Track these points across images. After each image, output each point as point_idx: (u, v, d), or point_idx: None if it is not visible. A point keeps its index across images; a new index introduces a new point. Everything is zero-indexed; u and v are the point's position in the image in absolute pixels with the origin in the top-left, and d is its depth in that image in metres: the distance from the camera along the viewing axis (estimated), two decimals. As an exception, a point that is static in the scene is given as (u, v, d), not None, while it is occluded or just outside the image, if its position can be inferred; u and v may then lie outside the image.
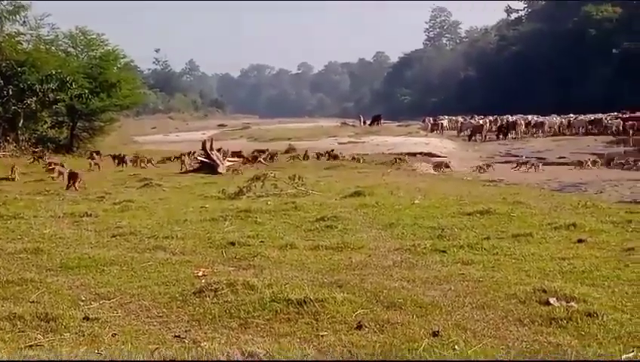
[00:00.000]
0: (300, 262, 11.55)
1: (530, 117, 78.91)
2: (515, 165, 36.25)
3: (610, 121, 71.47)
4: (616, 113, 74.58)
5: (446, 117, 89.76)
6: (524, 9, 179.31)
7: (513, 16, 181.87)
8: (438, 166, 36.75)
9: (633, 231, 14.10)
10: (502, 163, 41.67)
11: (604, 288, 9.57)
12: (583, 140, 62.03)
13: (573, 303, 8.67)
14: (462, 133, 70.58)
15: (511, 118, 77.76)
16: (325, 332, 7.86)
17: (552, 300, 8.77)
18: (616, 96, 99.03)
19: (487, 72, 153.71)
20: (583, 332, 7.80)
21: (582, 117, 75.63)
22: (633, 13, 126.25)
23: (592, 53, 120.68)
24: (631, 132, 65.79)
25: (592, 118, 74.40)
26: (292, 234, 14.26)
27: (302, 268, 11.06)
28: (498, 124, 72.10)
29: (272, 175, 24.49)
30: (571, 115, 78.24)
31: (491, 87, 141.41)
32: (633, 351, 7.23)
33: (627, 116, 72.68)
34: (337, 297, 8.82)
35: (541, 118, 76.26)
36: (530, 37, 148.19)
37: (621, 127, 68.56)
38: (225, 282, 9.55)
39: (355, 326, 8.02)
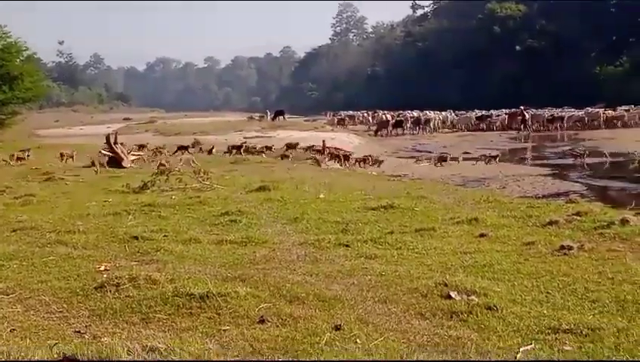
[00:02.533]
0: (203, 256, 11.49)
1: (417, 112, 79.80)
2: (416, 159, 36.51)
3: (495, 117, 73.91)
4: (518, 108, 75.85)
5: (343, 112, 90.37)
6: (429, 5, 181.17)
7: (419, 12, 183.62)
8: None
9: (533, 225, 14.31)
10: (407, 158, 42.05)
11: (504, 282, 9.70)
12: (487, 136, 62.93)
13: (473, 297, 8.77)
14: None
15: (413, 114, 78.60)
16: (227, 327, 7.84)
17: (453, 294, 8.86)
18: (519, 93, 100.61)
19: (394, 68, 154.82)
20: (483, 326, 7.90)
21: (468, 113, 77.15)
22: (536, 11, 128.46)
23: (496, 50, 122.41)
24: (522, 127, 67.48)
25: (480, 114, 75.80)
26: (196, 229, 14.19)
27: (205, 262, 11.00)
28: (394, 119, 72.74)
29: (177, 169, 24.34)
30: (462, 112, 79.61)
31: (398, 82, 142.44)
32: (532, 344, 7.34)
33: (519, 110, 74.34)
34: (240, 291, 8.79)
35: (431, 114, 77.05)
36: (436, 33, 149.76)
37: (505, 123, 71.64)
38: (127, 277, 9.43)
39: (258, 320, 8.01)
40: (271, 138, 49.18)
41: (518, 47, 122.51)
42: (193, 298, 8.60)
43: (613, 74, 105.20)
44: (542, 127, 70.04)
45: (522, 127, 69.02)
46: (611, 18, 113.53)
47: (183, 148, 38.88)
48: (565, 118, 69.42)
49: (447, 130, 70.90)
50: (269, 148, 40.12)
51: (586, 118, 71.18)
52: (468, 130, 70.76)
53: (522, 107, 74.85)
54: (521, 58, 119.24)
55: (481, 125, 72.52)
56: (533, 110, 75.82)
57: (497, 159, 36.36)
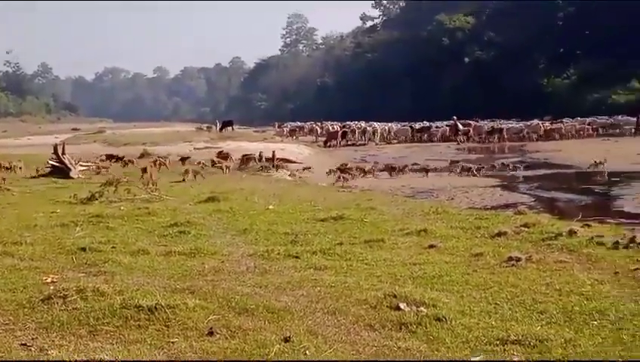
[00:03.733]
0: (151, 267, 11.43)
1: (364, 123, 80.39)
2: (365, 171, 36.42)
3: (435, 129, 74.69)
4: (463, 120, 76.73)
5: (290, 123, 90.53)
6: (379, 17, 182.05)
7: (369, 24, 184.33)
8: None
9: (482, 236, 14.44)
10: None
11: (453, 293, 9.77)
12: (436, 147, 63.19)
13: (422, 308, 8.82)
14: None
15: (361, 125, 79.06)
16: (176, 339, 7.81)
17: (402, 305, 8.90)
18: (467, 104, 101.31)
19: (344, 79, 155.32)
20: (431, 337, 7.95)
21: (404, 124, 77.92)
22: (484, 24, 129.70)
23: (445, 62, 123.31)
24: (461, 138, 68.40)
25: (420, 125, 76.57)
26: (144, 240, 14.09)
27: (154, 274, 10.94)
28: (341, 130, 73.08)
29: (126, 180, 24.19)
30: (406, 123, 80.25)
31: (348, 93, 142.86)
32: (480, 355, 7.39)
33: (452, 122, 75.37)
34: (189, 303, 8.76)
35: (378, 125, 77.47)
36: (386, 45, 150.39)
37: (448, 134, 72.28)
38: (74, 288, 9.34)
39: (207, 332, 7.99)
40: (220, 149, 48.90)
41: (467, 59, 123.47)
42: (141, 310, 8.54)
43: (561, 86, 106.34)
44: (483, 139, 70.81)
45: (455, 138, 69.94)
46: (559, 30, 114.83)
47: (184, 159, 38.55)
48: (504, 130, 70.25)
49: (395, 141, 71.14)
50: (225, 158, 39.81)
51: (525, 130, 72.15)
52: (408, 142, 71.14)
53: (455, 118, 75.98)
54: (470, 69, 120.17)
55: (422, 137, 73.06)
56: (473, 122, 76.67)
57: (480, 171, 36.36)
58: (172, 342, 7.70)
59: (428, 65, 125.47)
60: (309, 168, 35.63)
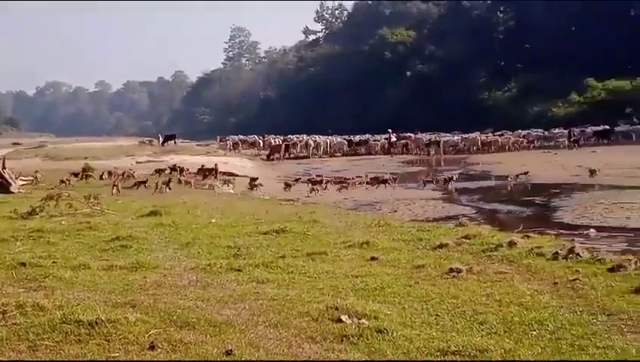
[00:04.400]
0: (92, 282, 11.34)
1: (305, 137, 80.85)
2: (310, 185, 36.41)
3: (373, 142, 75.48)
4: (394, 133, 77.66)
5: (233, 136, 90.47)
6: (321, 31, 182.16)
7: (311, 37, 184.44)
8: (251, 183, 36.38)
9: (423, 248, 14.54)
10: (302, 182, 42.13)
11: (394, 305, 9.82)
12: (379, 160, 63.49)
13: (364, 320, 8.85)
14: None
15: (303, 138, 79.50)
16: (117, 354, 7.77)
17: (343, 317, 8.92)
18: (410, 117, 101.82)
19: (287, 93, 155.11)
20: (373, 349, 7.98)
21: (340, 138, 78.67)
22: (425, 37, 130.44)
23: (388, 75, 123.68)
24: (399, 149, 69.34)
25: (359, 138, 77.21)
26: (86, 255, 13.99)
27: (95, 288, 10.86)
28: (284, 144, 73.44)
29: (67, 194, 23.98)
30: (346, 136, 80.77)
31: (291, 107, 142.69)
32: (421, 366, 7.44)
33: (397, 135, 76.24)
34: (130, 318, 8.72)
35: (320, 138, 77.91)
36: (328, 58, 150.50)
37: (386, 147, 73.52)
38: (14, 304, 9.27)
39: (148, 346, 7.96)
40: (163, 162, 48.64)
41: (408, 73, 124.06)
42: (82, 324, 8.49)
43: (501, 99, 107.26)
44: (422, 151, 71.59)
45: (389, 151, 70.80)
46: (499, 44, 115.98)
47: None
48: (441, 143, 71.33)
49: (339, 154, 71.39)
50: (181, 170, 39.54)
51: (462, 143, 74.01)
52: (346, 155, 71.50)
53: (390, 131, 76.97)
54: (412, 83, 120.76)
55: (360, 150, 73.56)
56: (412, 134, 77.67)
57: (421, 184, 36.57)
58: (113, 357, 7.66)
59: (370, 79, 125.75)
60: (256, 182, 35.35)
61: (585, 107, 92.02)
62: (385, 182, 36.17)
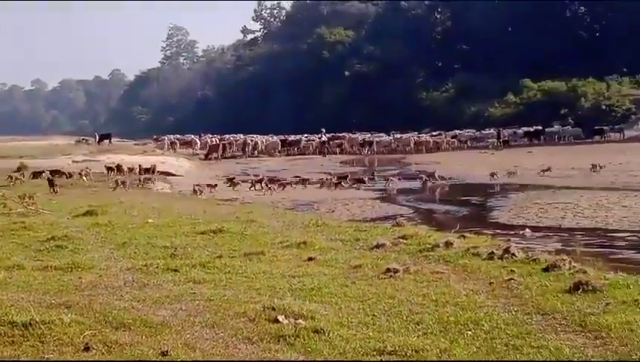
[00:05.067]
0: (27, 283, 11.19)
1: (242, 136, 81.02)
2: (250, 184, 36.31)
3: (306, 142, 75.77)
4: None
5: (170, 136, 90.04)
6: (260, 30, 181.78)
7: (250, 36, 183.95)
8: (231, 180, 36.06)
9: (361, 249, 14.57)
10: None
11: (331, 305, 9.83)
12: (317, 159, 63.59)
13: (301, 320, 8.84)
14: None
15: (240, 137, 79.70)
16: (51, 355, 7.69)
17: (280, 318, 8.91)
18: (348, 117, 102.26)
19: (225, 92, 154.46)
20: (309, 349, 7.98)
21: (275, 137, 78.75)
22: (363, 37, 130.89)
23: (326, 75, 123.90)
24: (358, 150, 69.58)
25: (286, 138, 77.67)
26: (20, 255, 13.81)
27: (29, 289, 10.72)
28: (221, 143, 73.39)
29: (1, 194, 23.70)
30: (281, 136, 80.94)
31: (229, 106, 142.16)
32: (357, 366, 7.45)
33: (331, 136, 76.63)
34: (65, 319, 8.61)
35: (257, 138, 78.03)
36: (267, 57, 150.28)
37: (320, 147, 73.93)
38: (-54, 305, 9.12)
39: (83, 347, 7.88)
40: (99, 162, 48.22)
41: (347, 72, 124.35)
42: (15, 326, 8.38)
43: (439, 99, 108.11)
44: (357, 151, 72.07)
45: (322, 151, 71.20)
46: (437, 45, 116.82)
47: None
48: (374, 143, 72.39)
49: (278, 154, 71.38)
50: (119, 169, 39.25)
51: (395, 143, 75.12)
52: (279, 155, 71.62)
53: (323, 130, 77.62)
54: (350, 83, 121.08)
55: (292, 150, 73.71)
56: (347, 134, 78.17)
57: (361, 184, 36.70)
58: (47, 358, 7.57)
59: (309, 78, 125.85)
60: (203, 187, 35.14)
61: (521, 108, 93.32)
62: (362, 181, 36.46)
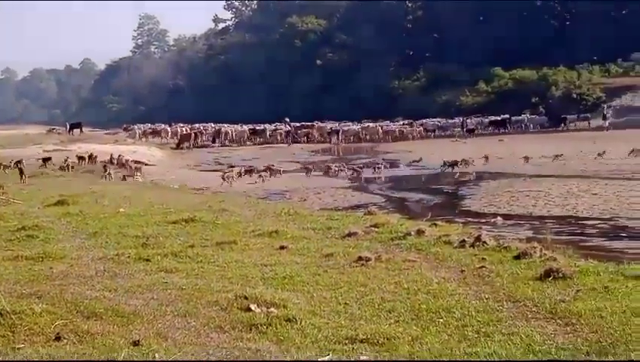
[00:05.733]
0: (-3, 273, 11.13)
1: (213, 125, 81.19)
2: (223, 173, 36.24)
3: (272, 132, 75.55)
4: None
5: (141, 125, 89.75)
6: (231, 19, 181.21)
7: (221, 25, 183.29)
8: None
9: (332, 237, 14.60)
10: (210, 171, 41.97)
11: (303, 293, 9.84)
12: (289, 148, 63.53)
13: (273, 309, 8.85)
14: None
15: (210, 126, 79.87)
16: (22, 345, 7.66)
17: (252, 306, 8.92)
18: (320, 106, 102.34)
19: (197, 81, 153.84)
20: (282, 337, 7.99)
21: (245, 127, 78.88)
22: (335, 26, 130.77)
23: (298, 64, 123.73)
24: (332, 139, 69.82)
25: (255, 128, 77.69)
26: (-10, 245, 13.74)
27: (-1, 279, 10.66)
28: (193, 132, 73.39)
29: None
30: (250, 125, 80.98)
31: (201, 95, 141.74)
32: (329, 354, 7.46)
33: (299, 125, 76.89)
34: (36, 308, 8.58)
35: (229, 127, 78.03)
36: (239, 47, 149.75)
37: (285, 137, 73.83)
38: None
39: (54, 337, 7.85)
40: (71, 151, 48.00)
41: (319, 61, 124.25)
42: (-14, 316, 8.33)
43: (411, 88, 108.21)
44: (326, 140, 72.26)
45: (286, 139, 71.36)
46: (408, 33, 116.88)
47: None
48: (341, 132, 72.91)
49: (250, 143, 71.24)
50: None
51: (363, 132, 75.33)
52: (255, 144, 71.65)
53: (287, 119, 78.20)
54: (322, 71, 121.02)
55: (257, 139, 73.62)
56: (316, 123, 78.38)
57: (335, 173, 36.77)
58: (18, 348, 7.54)
59: (281, 67, 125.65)
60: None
61: (492, 96, 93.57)
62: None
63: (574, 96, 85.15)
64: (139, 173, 35.54)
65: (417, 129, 74.91)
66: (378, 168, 38.10)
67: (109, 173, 32.56)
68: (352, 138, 72.84)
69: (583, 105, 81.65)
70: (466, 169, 36.72)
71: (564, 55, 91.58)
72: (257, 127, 77.49)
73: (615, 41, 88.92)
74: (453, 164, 36.91)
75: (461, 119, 76.56)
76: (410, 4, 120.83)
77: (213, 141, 71.79)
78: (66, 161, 38.12)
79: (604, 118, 72.60)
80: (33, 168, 36.13)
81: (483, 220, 20.89)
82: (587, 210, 22.64)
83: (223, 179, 32.46)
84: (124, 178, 34.36)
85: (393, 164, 41.94)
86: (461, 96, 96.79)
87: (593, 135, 59.28)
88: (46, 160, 39.35)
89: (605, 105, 77.60)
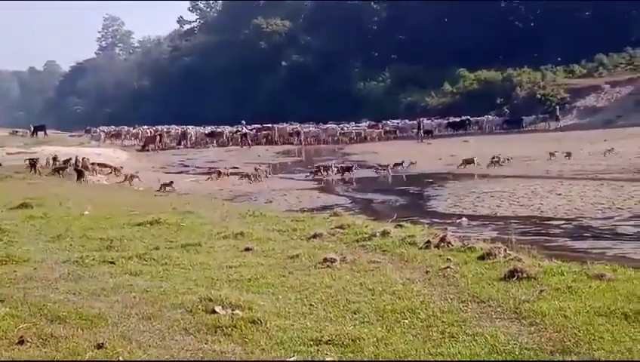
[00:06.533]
0: (-41, 276, 11.03)
1: (175, 127, 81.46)
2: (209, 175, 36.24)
3: (231, 135, 76.03)
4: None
5: (104, 127, 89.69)
6: (196, 20, 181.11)
7: (186, 27, 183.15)
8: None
9: (298, 238, 14.59)
10: (175, 173, 41.89)
11: (269, 295, 9.82)
12: (254, 150, 63.53)
13: (238, 311, 8.83)
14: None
15: (173, 128, 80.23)
16: (-15, 349, 7.57)
17: (217, 308, 8.89)
18: (285, 107, 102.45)
19: (161, 83, 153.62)
20: (247, 339, 7.96)
21: (200, 128, 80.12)
22: (300, 28, 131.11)
23: (263, 65, 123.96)
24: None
25: (212, 130, 78.42)
26: (-48, 249, 13.61)
27: (-38, 283, 10.57)
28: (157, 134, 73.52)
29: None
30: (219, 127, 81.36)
31: (166, 97, 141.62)
32: (294, 356, 7.46)
33: (260, 127, 77.81)
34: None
35: (191, 129, 78.37)
36: (204, 48, 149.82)
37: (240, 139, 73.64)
38: None
39: (17, 341, 7.78)
40: (35, 154, 47.71)
41: (284, 63, 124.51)
42: (-51, 320, 8.26)
43: (376, 89, 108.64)
44: (286, 142, 72.59)
45: (241, 141, 71.76)
46: (373, 35, 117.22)
47: None
48: (302, 133, 73.81)
49: (210, 145, 71.25)
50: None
51: (323, 134, 76.61)
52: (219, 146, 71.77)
53: (243, 122, 79.72)
54: (287, 73, 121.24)
55: (213, 141, 73.77)
56: (277, 125, 79.26)
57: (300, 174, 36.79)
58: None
59: (246, 69, 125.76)
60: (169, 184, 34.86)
61: (457, 97, 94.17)
62: (349, 169, 36.77)
63: (539, 96, 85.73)
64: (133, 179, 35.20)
65: (377, 131, 75.56)
66: (353, 170, 38.24)
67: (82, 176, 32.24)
68: (312, 140, 73.30)
69: (547, 106, 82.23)
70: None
71: (529, 56, 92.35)
72: (216, 130, 77.71)
73: (579, 43, 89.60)
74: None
75: (418, 120, 77.00)
76: (375, 5, 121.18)
77: (179, 143, 71.70)
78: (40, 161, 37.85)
79: (557, 118, 73.57)
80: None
81: (448, 221, 20.98)
82: (552, 210, 22.81)
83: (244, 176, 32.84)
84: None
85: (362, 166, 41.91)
86: (427, 97, 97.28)
87: (558, 135, 59.65)
88: (34, 162, 38.56)
89: (558, 107, 78.21)
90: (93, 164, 38.89)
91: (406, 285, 10.30)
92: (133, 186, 32.29)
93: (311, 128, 77.78)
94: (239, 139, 72.60)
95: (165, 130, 78.66)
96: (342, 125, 79.66)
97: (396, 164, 38.31)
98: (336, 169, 37.86)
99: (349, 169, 37.44)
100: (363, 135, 73.85)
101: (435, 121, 79.70)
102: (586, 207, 22.90)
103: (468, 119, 77.27)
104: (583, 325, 8.20)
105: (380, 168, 37.93)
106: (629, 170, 33.64)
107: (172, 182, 31.95)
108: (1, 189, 27.16)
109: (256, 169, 35.36)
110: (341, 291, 9.97)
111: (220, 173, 36.09)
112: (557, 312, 8.66)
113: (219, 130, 78.16)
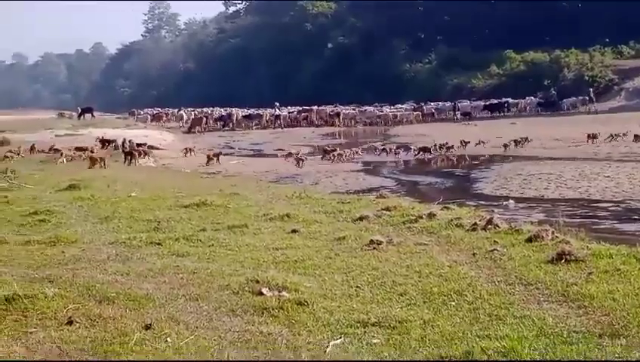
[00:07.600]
0: (9, 257, 11.14)
1: (219, 109, 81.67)
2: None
3: (269, 117, 75.24)
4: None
5: (149, 110, 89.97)
6: (242, 2, 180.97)
7: (232, 9, 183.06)
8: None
9: (344, 221, 14.58)
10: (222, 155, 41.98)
11: (315, 277, 9.83)
12: (299, 132, 63.42)
13: (285, 292, 8.84)
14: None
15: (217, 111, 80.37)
16: (34, 329, 7.64)
17: (264, 290, 8.90)
18: (330, 89, 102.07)
19: (207, 65, 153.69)
20: (293, 321, 7.98)
21: (242, 111, 79.61)
22: (346, 9, 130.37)
23: (308, 47, 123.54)
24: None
25: (248, 112, 78.32)
26: (3, 229, 13.79)
27: (11, 263, 10.68)
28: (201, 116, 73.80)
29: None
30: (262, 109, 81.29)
31: (211, 79, 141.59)
32: (341, 338, 7.46)
33: (301, 108, 78.16)
34: (48, 293, 8.55)
35: (234, 110, 78.54)
36: (249, 30, 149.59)
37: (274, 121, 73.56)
38: None
39: (66, 321, 7.83)
40: (83, 136, 48.05)
41: (330, 44, 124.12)
42: (-2, 300, 8.33)
43: (422, 71, 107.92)
44: (325, 123, 72.28)
45: (275, 123, 71.97)
46: (419, 16, 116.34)
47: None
48: (341, 115, 73.61)
49: (259, 127, 71.27)
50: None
51: (359, 116, 76.14)
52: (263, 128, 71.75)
53: (277, 104, 79.53)
54: (333, 55, 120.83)
55: (251, 123, 73.81)
56: (316, 107, 78.83)
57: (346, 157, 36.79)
58: (30, 332, 7.53)
59: (291, 51, 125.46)
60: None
61: (504, 79, 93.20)
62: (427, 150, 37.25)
63: (586, 78, 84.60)
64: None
65: (415, 113, 75.05)
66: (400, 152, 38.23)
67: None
68: (350, 121, 73.18)
69: (595, 88, 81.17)
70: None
71: (576, 37, 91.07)
72: (255, 112, 77.74)
73: (627, 23, 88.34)
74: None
75: (453, 103, 76.56)
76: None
77: (224, 126, 71.74)
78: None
79: (591, 100, 72.52)
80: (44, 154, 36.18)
81: (495, 203, 20.82)
82: (599, 192, 22.57)
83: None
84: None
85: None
86: (473, 79, 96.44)
87: (607, 117, 58.92)
88: (108, 142, 39.05)
89: (591, 89, 76.95)
90: (139, 145, 39.00)
91: (453, 267, 10.27)
92: (211, 166, 32.39)
93: (349, 110, 77.53)
94: (273, 122, 72.51)
95: (209, 111, 78.74)
96: (381, 106, 79.50)
97: (448, 147, 38.05)
98: (414, 150, 37.91)
99: (427, 150, 37.34)
100: (399, 117, 73.34)
101: (474, 103, 79.08)
102: (634, 190, 22.61)
103: (507, 101, 76.52)
104: (632, 308, 8.13)
105: (435, 149, 37.68)
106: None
107: (220, 153, 32.07)
108: (50, 171, 27.39)
109: (335, 150, 35.66)
110: (387, 273, 9.96)
111: (290, 153, 36.29)
112: (605, 295, 8.58)
113: (258, 112, 78.12)
